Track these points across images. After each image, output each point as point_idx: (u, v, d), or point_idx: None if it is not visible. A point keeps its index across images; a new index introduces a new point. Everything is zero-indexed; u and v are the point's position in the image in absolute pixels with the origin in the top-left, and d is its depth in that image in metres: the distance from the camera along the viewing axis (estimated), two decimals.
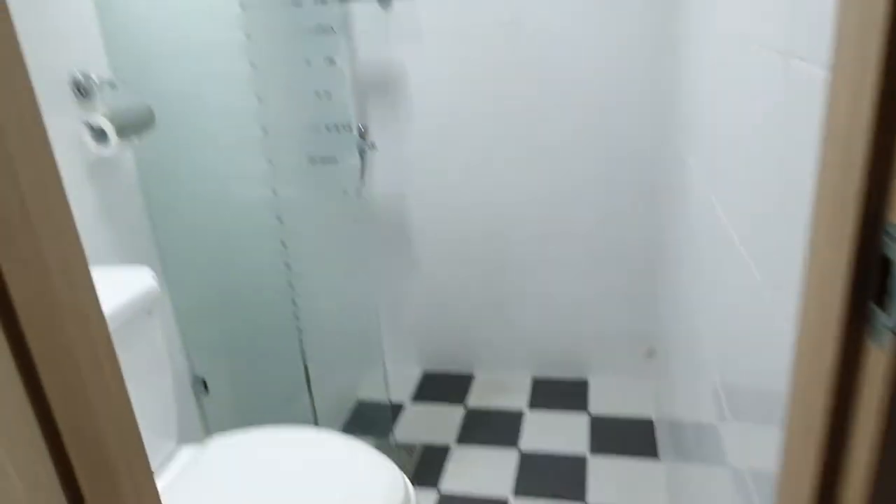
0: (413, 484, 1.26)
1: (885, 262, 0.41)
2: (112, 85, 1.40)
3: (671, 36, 1.83)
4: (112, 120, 1.36)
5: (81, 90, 1.39)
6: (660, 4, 1.84)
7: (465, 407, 2.28)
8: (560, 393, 2.31)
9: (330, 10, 1.40)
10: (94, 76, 1.40)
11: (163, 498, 0.54)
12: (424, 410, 2.29)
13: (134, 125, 1.42)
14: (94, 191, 1.45)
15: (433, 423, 2.21)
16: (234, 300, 1.74)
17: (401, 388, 2.41)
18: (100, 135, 1.38)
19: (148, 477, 0.52)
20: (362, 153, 2.01)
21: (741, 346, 0.91)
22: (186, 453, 1.38)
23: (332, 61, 1.43)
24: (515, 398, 2.30)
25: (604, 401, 2.24)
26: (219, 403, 1.84)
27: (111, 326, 0.46)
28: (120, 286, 1.25)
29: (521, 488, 1.88)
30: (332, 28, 1.41)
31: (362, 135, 1.99)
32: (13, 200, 0.41)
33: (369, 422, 2.21)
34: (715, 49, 1.18)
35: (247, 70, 1.49)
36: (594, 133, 2.02)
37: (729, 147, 1.04)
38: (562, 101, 2.00)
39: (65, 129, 1.36)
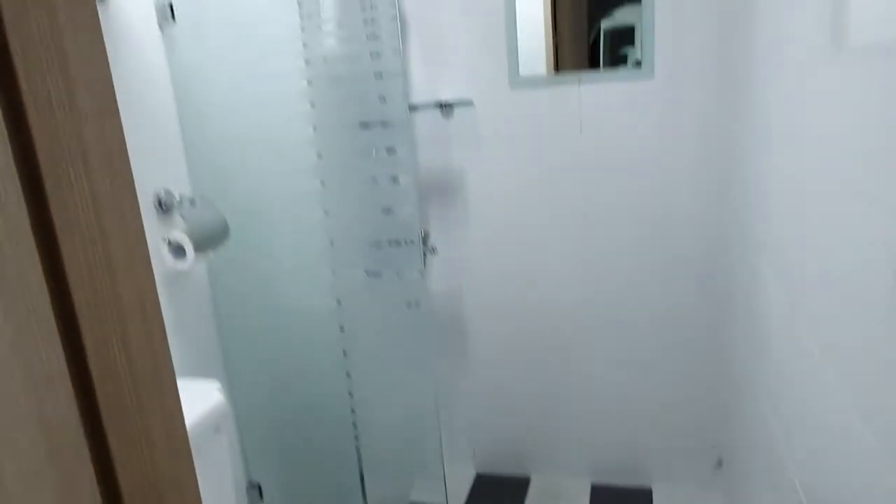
0: None
1: None
2: (192, 202, 1.46)
3: (741, 144, 1.83)
4: (190, 235, 1.42)
5: (163, 206, 1.46)
6: (727, 111, 1.84)
7: None
8: (621, 501, 2.20)
9: (396, 131, 1.45)
10: (175, 193, 1.47)
11: None
12: None
13: (210, 239, 1.47)
14: (167, 303, 1.49)
15: None
16: (293, 406, 1.74)
17: (454, 490, 2.33)
18: (177, 250, 1.43)
19: None
20: (423, 258, 2.03)
21: (826, 460, 0.85)
22: None
23: (395, 180, 1.47)
24: None
25: None
26: None
27: None
28: (190, 403, 1.26)
29: None
30: (394, 149, 1.46)
31: (424, 240, 2.01)
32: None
33: None
34: (794, 162, 1.16)
35: (317, 187, 1.55)
36: (655, 234, 2.00)
37: (815, 269, 1.01)
38: (621, 203, 2.00)
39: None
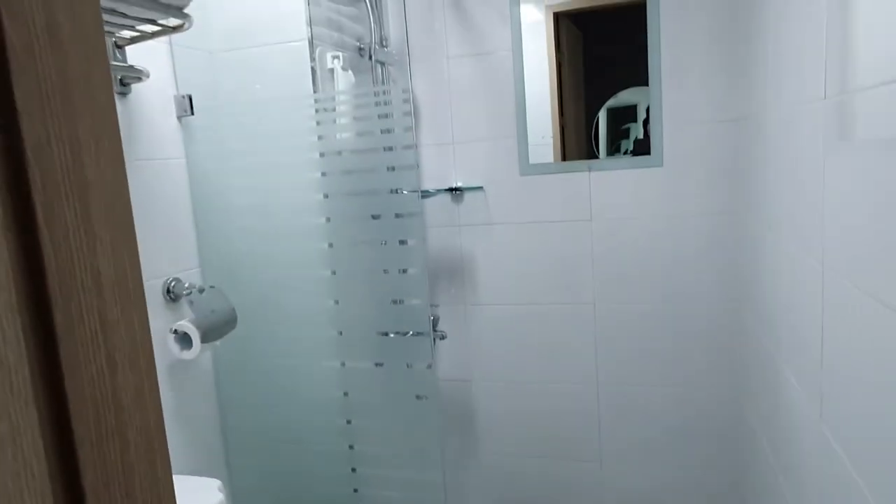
0: None
1: None
2: (201, 290, 1.45)
3: (753, 234, 1.82)
4: (197, 325, 1.40)
5: (172, 294, 1.45)
6: (736, 195, 1.85)
7: None
8: None
9: (408, 223, 1.45)
10: (185, 282, 1.46)
11: None
12: None
13: (217, 329, 1.45)
14: (169, 391, 1.45)
15: None
16: (298, 494, 1.66)
17: None
18: (183, 338, 1.41)
19: None
20: (433, 345, 2.00)
21: None
22: None
23: (406, 271, 1.46)
24: None
25: None
26: None
27: None
28: (188, 502, 1.20)
29: None
30: (406, 241, 1.45)
31: (433, 326, 1.99)
32: None
33: None
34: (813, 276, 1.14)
35: (327, 276, 1.53)
36: (667, 319, 1.97)
37: (844, 372, 0.97)
38: (632, 289, 1.97)
39: (153, 330, 1.39)
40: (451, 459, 2.25)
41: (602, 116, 1.96)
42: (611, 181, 1.94)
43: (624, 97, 1.94)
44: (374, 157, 1.46)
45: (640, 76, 1.88)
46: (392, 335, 1.52)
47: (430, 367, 1.45)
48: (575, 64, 2.03)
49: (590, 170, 1.95)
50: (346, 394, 1.59)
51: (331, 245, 1.55)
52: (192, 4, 1.19)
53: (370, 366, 1.57)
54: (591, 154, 1.97)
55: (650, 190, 1.92)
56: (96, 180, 0.47)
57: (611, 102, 1.94)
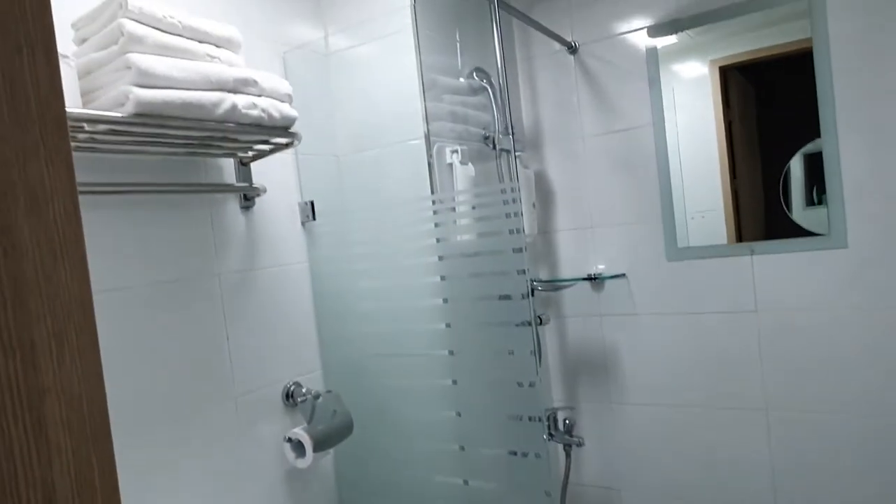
0: None
1: None
2: (316, 396, 1.44)
3: None
4: (310, 433, 1.38)
5: (291, 399, 1.45)
6: None
7: None
8: None
9: (518, 332, 1.32)
10: (304, 387, 1.46)
11: None
12: None
13: (331, 436, 1.41)
14: (290, 497, 1.44)
15: None
16: None
17: None
18: (298, 447, 1.39)
19: None
20: (567, 450, 1.81)
21: None
22: None
23: (532, 384, 1.32)
24: None
25: None
26: None
27: None
28: None
29: None
30: (531, 353, 1.31)
31: (568, 430, 1.80)
32: None
33: None
34: None
35: (448, 386, 1.45)
36: (870, 443, 1.58)
37: None
38: (818, 397, 1.62)
39: (271, 436, 1.40)
40: None
41: (797, 164, 1.66)
42: (780, 266, 1.65)
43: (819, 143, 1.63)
44: (494, 257, 1.37)
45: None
46: (513, 454, 1.38)
47: (548, 494, 1.28)
48: (746, 119, 1.79)
49: (752, 253, 1.68)
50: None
51: (451, 352, 1.46)
52: (316, 114, 1.21)
53: (494, 486, 1.43)
54: (780, 210, 1.68)
55: (831, 276, 1.59)
56: (53, 387, 0.42)
57: (808, 147, 1.64)
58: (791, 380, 1.65)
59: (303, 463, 1.38)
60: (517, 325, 1.33)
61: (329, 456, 1.55)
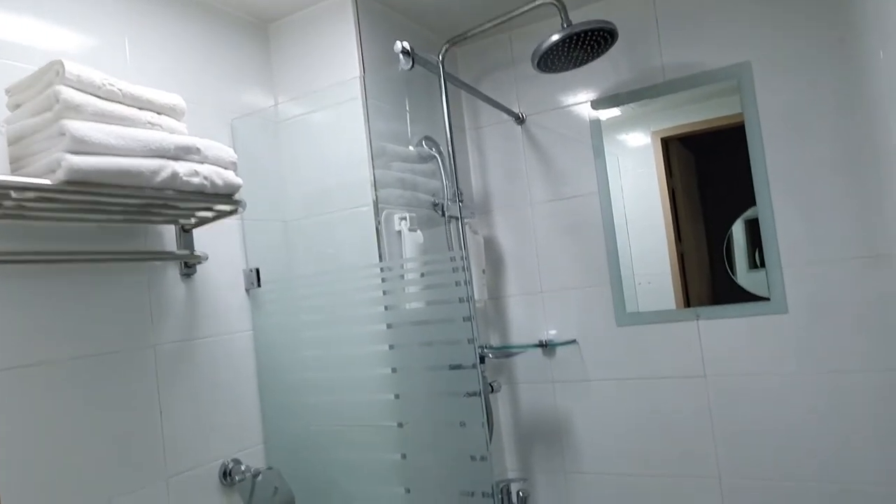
0: None
1: None
2: (255, 475, 1.36)
3: None
4: None
5: (228, 477, 1.37)
6: (884, 346, 1.51)
7: None
8: None
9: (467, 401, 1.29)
10: (243, 465, 1.38)
11: None
12: None
13: None
14: None
15: None
16: None
17: None
18: None
19: None
20: None
21: None
22: None
23: (484, 458, 1.28)
24: None
25: None
26: None
27: None
28: None
29: None
30: (482, 425, 1.28)
31: (523, 502, 1.75)
32: None
33: None
34: None
35: (397, 460, 1.39)
36: (812, 498, 1.58)
37: None
38: (771, 464, 1.62)
39: None
40: None
41: (738, 229, 1.71)
42: (725, 331, 1.68)
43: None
44: (443, 325, 1.35)
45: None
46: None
47: None
48: (689, 186, 1.85)
49: (698, 318, 1.70)
50: None
51: (400, 425, 1.41)
52: (263, 180, 1.19)
53: None
54: (724, 273, 1.71)
55: (774, 341, 1.62)
56: None
57: (748, 213, 1.69)
58: (742, 445, 1.65)
59: None
60: (468, 396, 1.30)
61: None
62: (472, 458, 1.28)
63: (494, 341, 1.96)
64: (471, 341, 1.26)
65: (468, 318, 1.28)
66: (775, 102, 1.62)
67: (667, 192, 1.85)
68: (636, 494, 1.77)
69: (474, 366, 1.26)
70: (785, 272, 1.61)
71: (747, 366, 1.64)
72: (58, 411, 1.07)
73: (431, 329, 1.37)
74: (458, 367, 1.32)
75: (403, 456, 1.38)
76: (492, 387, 1.82)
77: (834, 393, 1.56)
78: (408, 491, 1.37)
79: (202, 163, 1.13)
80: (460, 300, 1.37)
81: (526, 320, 1.92)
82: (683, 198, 1.85)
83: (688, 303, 1.74)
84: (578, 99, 1.86)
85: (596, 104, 1.84)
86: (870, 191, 1.51)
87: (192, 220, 1.30)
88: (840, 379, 1.55)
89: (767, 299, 1.63)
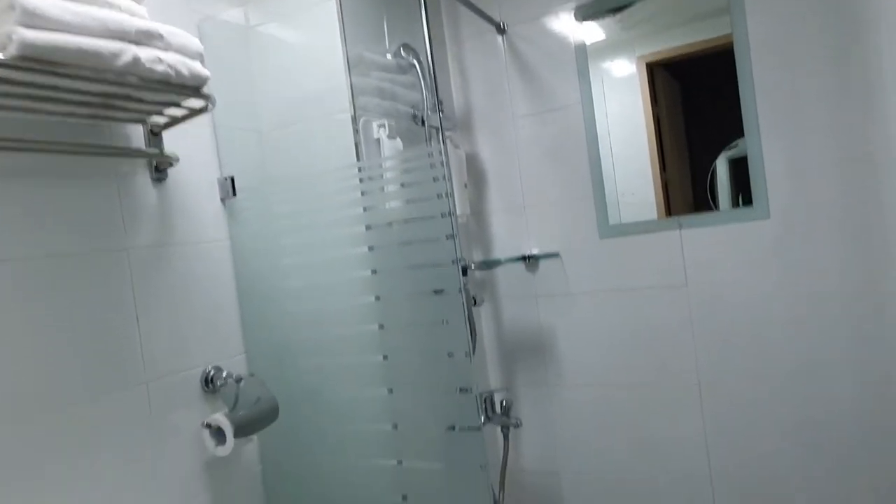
0: None
1: None
2: (238, 380, 1.35)
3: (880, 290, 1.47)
4: (232, 419, 1.29)
5: (210, 384, 1.36)
6: (862, 247, 1.51)
7: None
8: None
9: (445, 300, 1.28)
10: (223, 371, 1.37)
11: None
12: None
13: (254, 422, 1.33)
14: (211, 490, 1.35)
15: None
16: None
17: None
18: (218, 433, 1.31)
19: None
20: (505, 432, 1.78)
21: None
22: None
23: (467, 354, 1.27)
24: None
25: None
26: None
27: None
28: None
29: None
30: (465, 320, 1.27)
31: (506, 412, 1.77)
32: None
33: None
34: None
35: (379, 362, 1.39)
36: (797, 406, 1.61)
37: None
38: (748, 366, 1.65)
39: (188, 423, 1.30)
40: None
41: (722, 167, 1.70)
42: (707, 239, 1.67)
43: (744, 147, 1.67)
44: (423, 226, 1.33)
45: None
46: (450, 429, 1.33)
47: (483, 468, 1.24)
48: (674, 116, 1.82)
49: (681, 227, 1.70)
50: (404, 497, 1.40)
51: (381, 326, 1.41)
52: (234, 87, 1.14)
53: (429, 466, 1.37)
54: (709, 209, 1.70)
55: (756, 247, 1.62)
56: None
57: (733, 153, 1.68)
58: (721, 353, 1.68)
59: (223, 450, 1.30)
60: (448, 294, 1.29)
61: (253, 444, 1.47)
62: (452, 355, 1.28)
63: (477, 257, 1.95)
64: (450, 237, 1.25)
65: (446, 215, 1.26)
66: (766, 24, 1.57)
67: (652, 120, 1.82)
68: (617, 405, 1.80)
69: (454, 262, 1.25)
70: (769, 178, 1.59)
71: (728, 274, 1.65)
72: (31, 311, 1.04)
73: (410, 229, 1.36)
74: (437, 265, 1.31)
75: (385, 357, 1.38)
76: (475, 300, 1.82)
77: (812, 299, 1.57)
78: (390, 391, 1.37)
79: (166, 50, 1.08)
80: (439, 196, 1.34)
81: (508, 235, 1.91)
82: (668, 127, 1.82)
83: (669, 213, 1.73)
84: (562, 7, 1.80)
85: (579, 13, 1.78)
86: (860, 118, 1.49)
87: (161, 121, 1.25)
88: (817, 285, 1.56)
89: (750, 204, 1.62)
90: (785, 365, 1.61)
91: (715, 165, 1.70)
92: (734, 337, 1.66)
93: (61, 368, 1.08)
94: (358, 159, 1.48)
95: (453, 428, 1.30)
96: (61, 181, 1.12)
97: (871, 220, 1.50)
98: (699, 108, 1.79)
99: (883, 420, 1.53)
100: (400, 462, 1.41)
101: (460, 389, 1.28)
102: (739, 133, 1.63)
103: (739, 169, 1.65)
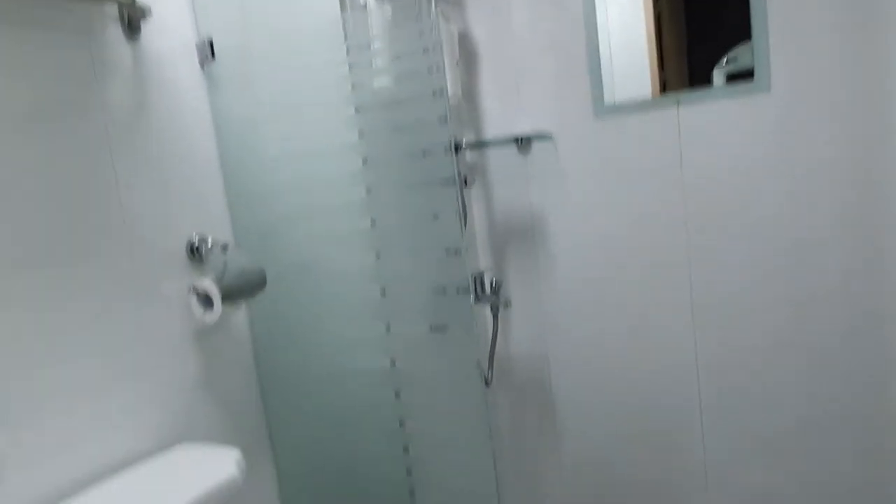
0: None
1: None
2: (224, 248, 1.33)
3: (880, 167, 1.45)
4: (218, 284, 1.28)
5: (196, 252, 1.34)
6: (868, 124, 1.48)
7: None
8: None
9: (452, 161, 1.25)
10: (209, 239, 1.35)
11: None
12: None
13: (242, 289, 1.32)
14: (200, 358, 1.35)
15: None
16: (347, 485, 1.51)
17: None
18: (206, 300, 1.30)
19: None
20: (495, 311, 1.78)
21: None
22: None
23: (458, 251, 1.25)
24: None
25: None
26: None
27: None
28: (193, 480, 1.08)
29: None
30: (454, 180, 1.24)
31: (496, 291, 1.77)
32: None
33: None
34: None
35: (367, 227, 1.37)
36: (787, 285, 1.61)
37: None
38: (739, 247, 1.64)
39: (174, 290, 1.29)
40: (527, 447, 2.02)
41: (719, 80, 1.61)
42: (705, 117, 1.63)
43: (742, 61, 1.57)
44: (412, 104, 1.28)
45: None
46: (442, 293, 1.32)
47: (469, 332, 1.24)
48: (676, 15, 1.72)
49: (679, 104, 1.65)
50: (392, 362, 1.42)
51: (369, 191, 1.38)
52: None
53: (417, 330, 1.38)
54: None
55: (754, 123, 1.58)
56: None
57: (730, 68, 1.58)
58: (714, 235, 1.66)
59: (211, 317, 1.29)
60: (441, 185, 1.26)
61: (242, 314, 1.46)
62: (446, 251, 1.26)
63: (469, 138, 1.90)
64: (443, 120, 1.20)
65: (440, 92, 1.21)
66: None
67: (653, 15, 1.73)
68: (607, 290, 1.81)
69: (447, 149, 1.21)
70: (772, 46, 1.53)
71: (725, 152, 1.61)
72: (4, 166, 1.00)
73: (399, 109, 1.31)
74: (429, 152, 1.27)
75: (372, 221, 1.36)
76: (466, 180, 1.79)
77: (808, 176, 1.55)
78: (378, 257, 1.36)
79: None
80: (429, 71, 1.30)
81: (501, 117, 1.85)
82: (669, 25, 1.71)
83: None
84: None
85: None
86: None
87: None
88: (813, 161, 1.53)
89: (751, 76, 1.56)
90: (777, 244, 1.60)
91: (713, 77, 1.62)
92: (727, 218, 1.64)
93: (42, 227, 1.05)
94: (344, 27, 1.41)
95: (443, 291, 1.29)
96: (25, 30, 1.05)
97: (873, 95, 1.45)
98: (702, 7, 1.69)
99: (869, 303, 1.53)
100: (388, 328, 1.41)
101: (455, 289, 1.26)
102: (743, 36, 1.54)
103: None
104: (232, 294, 1.31)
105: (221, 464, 1.13)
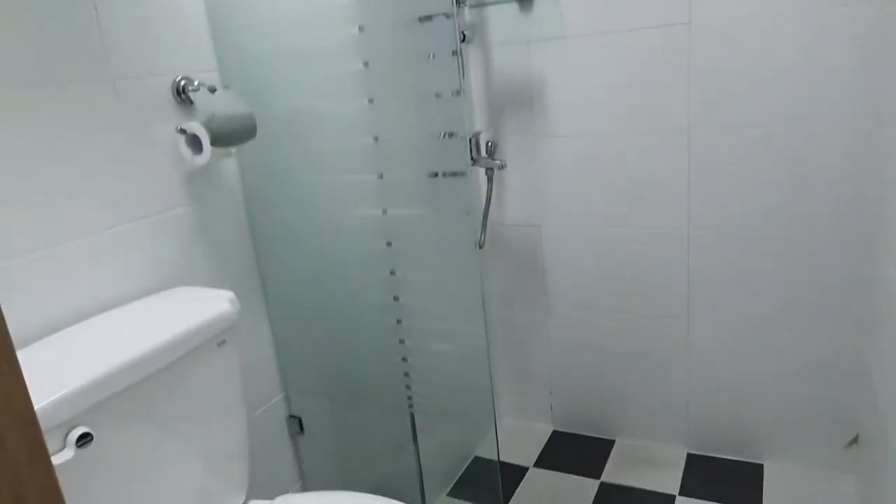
0: None
1: None
2: (212, 89, 1.28)
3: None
4: (208, 127, 1.24)
5: (182, 94, 1.29)
6: None
7: (599, 480, 1.90)
8: (724, 476, 1.85)
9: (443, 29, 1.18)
10: (196, 81, 1.30)
11: None
12: (549, 478, 1.94)
13: (231, 133, 1.29)
14: (192, 202, 1.34)
15: (557, 496, 1.86)
16: (337, 333, 1.55)
17: (526, 448, 2.08)
18: (194, 142, 1.27)
19: None
20: (490, 174, 1.76)
21: None
22: None
23: (454, 53, 1.19)
24: (664, 477, 1.88)
25: (784, 494, 1.75)
26: (316, 445, 1.66)
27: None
28: (189, 311, 1.10)
29: None
30: (445, 15, 1.17)
31: (491, 153, 1.74)
32: None
33: (482, 484, 1.91)
34: None
35: (359, 70, 1.31)
36: (785, 152, 1.60)
37: None
38: (740, 111, 1.60)
39: (161, 131, 1.26)
40: (520, 312, 2.07)
41: None
42: None
43: None
44: None
45: None
46: (435, 139, 1.29)
47: (468, 213, 1.23)
48: None
49: None
50: (384, 211, 1.41)
51: (366, 65, 1.31)
52: None
53: (414, 212, 1.37)
54: None
55: None
56: None
57: None
58: (716, 99, 1.62)
59: (200, 159, 1.26)
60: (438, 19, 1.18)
61: (233, 164, 1.44)
62: (439, 95, 1.21)
63: None
64: None
65: None
66: None
67: None
68: (603, 154, 1.78)
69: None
70: None
71: (736, 10, 1.54)
72: None
73: None
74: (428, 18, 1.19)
75: (366, 64, 1.30)
76: (464, 35, 1.71)
77: (818, 39, 1.48)
78: (376, 139, 1.31)
79: None
80: None
81: None
82: None
83: None
84: None
85: None
86: None
87: None
88: (829, 19, 1.47)
89: None
90: (779, 109, 1.56)
91: None
92: (731, 82, 1.59)
93: (19, 47, 1.00)
94: None
95: (439, 174, 1.26)
96: None
97: None
98: None
99: (863, 184, 1.52)
100: (384, 211, 1.40)
101: (449, 135, 1.22)
102: None
103: None
104: (221, 138, 1.27)
105: (217, 301, 1.15)
